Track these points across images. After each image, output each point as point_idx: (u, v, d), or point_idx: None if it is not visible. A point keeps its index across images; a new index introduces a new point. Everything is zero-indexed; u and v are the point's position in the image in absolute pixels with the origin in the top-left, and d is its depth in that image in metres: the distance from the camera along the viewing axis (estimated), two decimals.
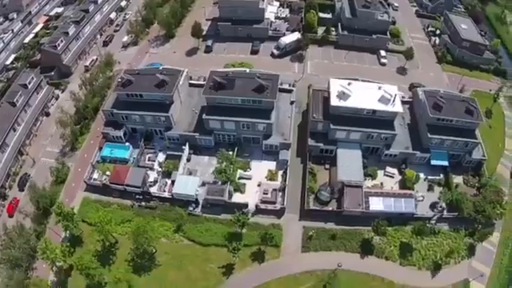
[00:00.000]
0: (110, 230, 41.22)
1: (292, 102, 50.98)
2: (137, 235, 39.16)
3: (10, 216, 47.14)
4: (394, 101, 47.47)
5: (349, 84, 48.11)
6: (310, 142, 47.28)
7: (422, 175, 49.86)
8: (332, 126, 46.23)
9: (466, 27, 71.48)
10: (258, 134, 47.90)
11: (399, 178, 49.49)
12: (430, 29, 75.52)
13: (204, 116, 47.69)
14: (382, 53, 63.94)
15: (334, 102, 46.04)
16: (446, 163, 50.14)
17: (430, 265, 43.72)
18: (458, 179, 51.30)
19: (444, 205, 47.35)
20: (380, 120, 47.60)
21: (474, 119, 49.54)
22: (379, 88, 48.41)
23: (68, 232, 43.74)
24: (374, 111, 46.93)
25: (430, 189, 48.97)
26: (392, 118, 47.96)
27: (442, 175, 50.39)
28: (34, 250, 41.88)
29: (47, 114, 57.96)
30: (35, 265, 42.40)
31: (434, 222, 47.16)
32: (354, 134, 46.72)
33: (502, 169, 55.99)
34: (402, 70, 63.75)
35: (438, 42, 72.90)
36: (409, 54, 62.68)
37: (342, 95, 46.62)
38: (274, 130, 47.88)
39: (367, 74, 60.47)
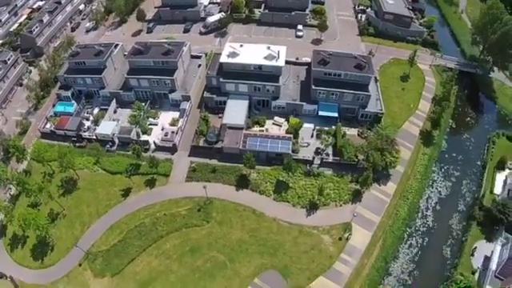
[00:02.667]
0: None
1: (199, 65, 61.53)
2: (60, 158, 51.12)
3: None
4: (278, 58, 55.63)
5: (240, 46, 57.11)
6: (206, 94, 57.29)
7: (311, 125, 56.95)
8: (222, 80, 55.66)
9: (391, 2, 77.87)
10: (165, 90, 58.85)
11: (287, 127, 57.19)
12: (359, 7, 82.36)
13: (125, 75, 59.57)
14: (299, 27, 72.91)
15: (224, 59, 55.57)
16: (334, 114, 56.62)
17: (306, 204, 49.66)
18: (353, 131, 57.23)
19: (327, 150, 53.55)
20: (267, 75, 56.34)
21: (364, 73, 55.60)
22: (268, 48, 56.91)
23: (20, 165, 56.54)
24: (260, 66, 55.66)
25: (318, 137, 55.73)
26: (278, 73, 56.24)
27: (334, 127, 56.80)
28: None
29: (21, 85, 72.68)
30: None
31: (316, 165, 53.69)
32: (242, 86, 55.79)
33: (411, 126, 62.03)
34: (317, 41, 72.10)
35: (363, 18, 79.70)
36: (322, 27, 70.66)
37: (232, 54, 55.77)
38: (178, 87, 58.56)
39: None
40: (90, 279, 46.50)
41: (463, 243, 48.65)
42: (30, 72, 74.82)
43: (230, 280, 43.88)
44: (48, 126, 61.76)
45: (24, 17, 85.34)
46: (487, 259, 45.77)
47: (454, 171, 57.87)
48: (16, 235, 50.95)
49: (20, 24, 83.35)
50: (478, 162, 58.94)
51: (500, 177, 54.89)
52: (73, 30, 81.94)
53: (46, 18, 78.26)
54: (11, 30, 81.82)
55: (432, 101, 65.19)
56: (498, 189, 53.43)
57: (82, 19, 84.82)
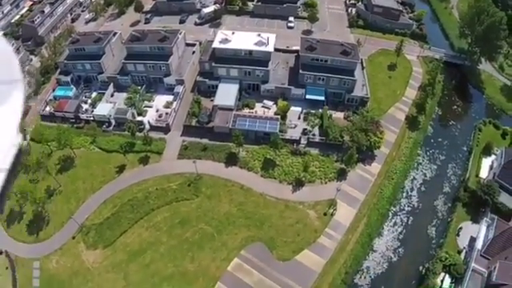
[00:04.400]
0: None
1: (193, 52, 64.28)
2: (59, 136, 53.31)
3: None
4: (268, 44, 58.00)
5: (232, 33, 59.50)
6: (199, 78, 59.60)
7: (299, 109, 59.07)
8: (214, 64, 57.98)
9: None
10: (160, 74, 61.23)
11: (276, 110, 59.27)
12: (350, 1, 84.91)
13: (123, 61, 61.94)
14: (290, 18, 75.59)
15: (216, 44, 57.94)
16: (321, 98, 58.85)
17: (292, 180, 51.55)
18: (340, 115, 59.30)
19: (313, 130, 55.54)
20: (257, 60, 58.66)
21: (350, 59, 57.93)
22: (258, 35, 59.29)
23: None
24: (251, 52, 57.98)
25: (306, 120, 57.75)
26: (267, 59, 58.51)
27: (321, 110, 58.86)
28: None
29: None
30: None
31: (303, 145, 55.79)
32: (232, 71, 58.06)
33: (397, 111, 63.89)
34: (307, 32, 74.38)
35: (354, 11, 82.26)
36: (312, 18, 73.15)
37: (224, 40, 58.17)
38: (173, 71, 60.87)
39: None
40: (82, 251, 48.16)
41: (449, 223, 50.14)
42: (31, 60, 77.66)
43: (217, 251, 45.47)
44: (48, 108, 64.02)
45: (25, 8, 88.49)
46: (473, 240, 47.10)
47: (440, 155, 59.61)
48: (13, 211, 52.60)
49: (22, 16, 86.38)
50: (464, 148, 60.66)
51: (486, 162, 56.78)
52: (73, 21, 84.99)
53: (47, 9, 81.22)
54: (12, 21, 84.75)
55: (418, 89, 67.19)
56: (484, 173, 55.17)
57: (82, 11, 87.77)
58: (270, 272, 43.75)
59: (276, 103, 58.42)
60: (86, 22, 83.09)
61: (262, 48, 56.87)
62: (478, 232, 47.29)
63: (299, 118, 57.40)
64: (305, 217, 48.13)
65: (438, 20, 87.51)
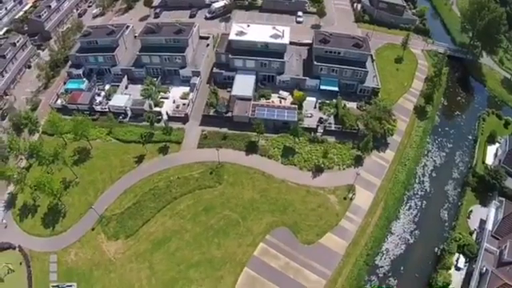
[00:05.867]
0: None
1: (207, 45, 65.25)
2: (75, 127, 52.59)
3: None
4: (283, 36, 59.38)
5: (247, 26, 60.65)
6: (215, 69, 60.39)
7: (314, 99, 60.49)
8: (231, 56, 58.90)
9: None
10: (176, 66, 61.65)
11: (291, 100, 60.47)
12: None
13: (137, 53, 62.07)
14: (299, 13, 77.41)
15: (232, 37, 58.94)
16: (335, 88, 60.61)
17: (312, 167, 53.07)
18: (352, 105, 60.69)
19: (329, 119, 57.02)
20: (272, 52, 60.02)
21: (361, 51, 60.09)
22: (273, 28, 60.59)
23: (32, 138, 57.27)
24: (267, 44, 59.19)
25: (321, 109, 59.34)
26: (282, 51, 59.79)
27: (335, 100, 60.54)
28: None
29: (29, 67, 74.12)
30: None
31: (320, 133, 57.04)
32: (249, 62, 59.18)
33: (406, 102, 66.29)
34: (315, 26, 76.26)
35: (359, 7, 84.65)
36: (320, 13, 75.09)
37: (240, 33, 59.32)
38: (188, 63, 61.37)
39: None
40: (103, 242, 47.58)
41: (459, 207, 52.26)
42: (38, 55, 76.43)
43: (243, 237, 46.09)
44: (59, 102, 63.47)
45: (29, 5, 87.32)
46: (483, 222, 49.44)
47: (447, 143, 62.02)
48: (26, 205, 51.49)
49: (25, 12, 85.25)
50: (470, 136, 63.25)
51: (491, 149, 59.53)
52: (80, 16, 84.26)
53: (53, 4, 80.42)
54: (16, 17, 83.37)
55: (425, 80, 69.86)
56: (489, 159, 57.91)
57: (89, 6, 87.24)
58: (296, 255, 44.74)
59: (291, 94, 59.94)
60: (94, 17, 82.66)
61: (278, 40, 58.22)
62: (487, 214, 49.69)
63: (315, 107, 58.91)
64: (326, 201, 49.35)
65: (439, 15, 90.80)
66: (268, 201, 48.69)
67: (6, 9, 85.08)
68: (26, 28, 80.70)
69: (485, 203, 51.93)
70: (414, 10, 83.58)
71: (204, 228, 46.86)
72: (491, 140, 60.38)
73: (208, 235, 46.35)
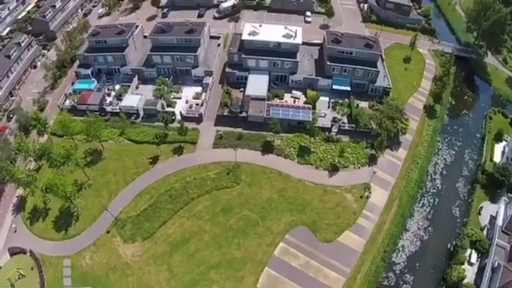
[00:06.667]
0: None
1: (218, 45, 65.10)
2: (88, 128, 51.73)
3: None
4: (295, 36, 59.54)
5: (260, 26, 60.69)
6: (228, 69, 60.27)
7: (326, 98, 60.59)
8: (243, 56, 58.81)
9: None
10: (187, 66, 61.32)
11: (305, 99, 60.60)
12: None
13: (148, 52, 61.57)
14: (308, 13, 77.78)
15: (245, 36, 58.96)
16: (347, 88, 60.93)
17: (328, 166, 53.23)
18: (364, 104, 60.91)
19: (342, 118, 57.22)
20: (285, 52, 60.12)
21: (372, 51, 60.63)
22: (285, 28, 60.73)
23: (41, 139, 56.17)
24: (279, 44, 59.33)
25: (334, 109, 59.60)
26: (295, 50, 59.97)
27: (347, 100, 60.85)
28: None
29: (34, 67, 73.11)
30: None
31: (334, 132, 57.22)
32: (262, 62, 59.20)
33: (415, 101, 66.85)
34: (324, 26, 76.70)
35: (366, 7, 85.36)
36: (329, 13, 75.67)
37: (253, 33, 59.34)
38: (200, 63, 61.10)
39: None
40: (119, 245, 46.82)
41: (470, 204, 53.02)
42: (44, 55, 75.20)
43: (262, 236, 46.05)
44: (67, 102, 62.55)
45: (32, 5, 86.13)
46: (493, 218, 50.17)
47: (456, 141, 62.94)
48: (36, 208, 50.39)
49: (28, 12, 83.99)
50: (478, 135, 64.27)
51: (498, 147, 60.56)
52: (85, 15, 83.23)
53: (58, 4, 79.46)
54: (19, 17, 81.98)
55: (433, 80, 70.81)
56: (497, 157, 58.92)
57: (94, 6, 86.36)
58: (316, 254, 44.90)
59: (304, 94, 60.11)
60: (99, 17, 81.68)
61: (291, 40, 58.36)
62: (497, 210, 50.56)
63: (328, 107, 59.19)
64: (343, 200, 49.64)
65: (443, 15, 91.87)
66: (286, 200, 48.77)
67: (8, 9, 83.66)
68: (30, 28, 79.50)
69: (494, 200, 52.79)
70: (419, 10, 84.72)
71: (223, 229, 46.67)
72: (498, 138, 61.51)
73: (227, 236, 46.18)
